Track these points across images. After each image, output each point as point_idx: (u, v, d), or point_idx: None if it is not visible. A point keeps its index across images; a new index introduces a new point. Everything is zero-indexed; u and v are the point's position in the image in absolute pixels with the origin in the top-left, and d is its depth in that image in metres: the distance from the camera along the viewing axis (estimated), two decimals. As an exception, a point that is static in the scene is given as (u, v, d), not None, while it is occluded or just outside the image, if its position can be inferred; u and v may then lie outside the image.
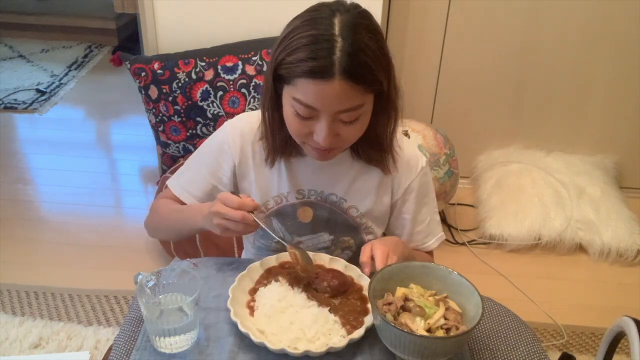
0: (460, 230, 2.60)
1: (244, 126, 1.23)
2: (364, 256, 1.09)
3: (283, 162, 1.22)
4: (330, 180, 1.24)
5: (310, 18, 1.03)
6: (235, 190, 1.27)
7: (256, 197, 1.24)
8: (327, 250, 1.29)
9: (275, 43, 1.07)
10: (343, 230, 1.28)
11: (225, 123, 1.26)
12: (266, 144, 1.19)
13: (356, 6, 1.06)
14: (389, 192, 1.26)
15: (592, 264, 2.43)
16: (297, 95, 1.03)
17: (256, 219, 1.09)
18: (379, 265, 1.05)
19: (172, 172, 2.24)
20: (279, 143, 1.17)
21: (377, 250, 1.08)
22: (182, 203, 1.27)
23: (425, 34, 2.59)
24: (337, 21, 1.01)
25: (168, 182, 1.31)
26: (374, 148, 1.18)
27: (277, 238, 1.14)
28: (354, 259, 1.18)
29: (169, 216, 1.28)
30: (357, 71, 0.99)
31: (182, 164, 2.23)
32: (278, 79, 1.07)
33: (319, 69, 0.99)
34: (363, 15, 1.04)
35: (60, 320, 2.06)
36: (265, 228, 1.11)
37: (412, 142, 1.28)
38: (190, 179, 1.27)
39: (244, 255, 1.46)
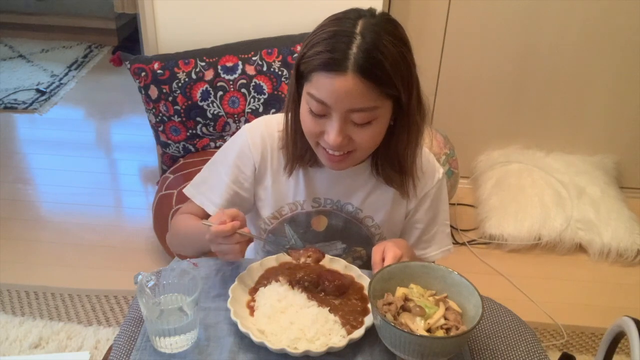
0: (460, 230, 2.60)
1: (264, 130, 1.22)
2: (377, 256, 1.09)
3: (301, 171, 1.21)
4: (347, 190, 1.23)
5: (336, 18, 1.05)
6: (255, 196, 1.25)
7: (271, 203, 1.23)
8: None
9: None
10: (356, 240, 1.28)
11: (243, 127, 1.24)
12: (286, 152, 1.18)
13: (385, 14, 1.06)
14: (404, 203, 1.26)
15: (592, 264, 2.43)
16: (311, 90, 1.04)
17: (242, 233, 1.05)
18: None
19: (172, 172, 2.25)
20: (299, 150, 1.16)
21: (389, 252, 1.07)
22: (204, 212, 1.24)
23: (425, 34, 2.59)
24: (360, 22, 1.02)
25: (186, 192, 1.27)
26: (395, 169, 1.17)
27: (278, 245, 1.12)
28: (365, 269, 1.17)
29: (186, 235, 1.25)
30: (371, 69, 0.99)
31: (181, 164, 2.27)
32: (300, 77, 1.07)
33: (333, 61, 0.99)
34: (389, 21, 1.05)
35: (60, 320, 2.06)
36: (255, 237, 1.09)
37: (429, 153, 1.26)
38: (211, 187, 1.24)
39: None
